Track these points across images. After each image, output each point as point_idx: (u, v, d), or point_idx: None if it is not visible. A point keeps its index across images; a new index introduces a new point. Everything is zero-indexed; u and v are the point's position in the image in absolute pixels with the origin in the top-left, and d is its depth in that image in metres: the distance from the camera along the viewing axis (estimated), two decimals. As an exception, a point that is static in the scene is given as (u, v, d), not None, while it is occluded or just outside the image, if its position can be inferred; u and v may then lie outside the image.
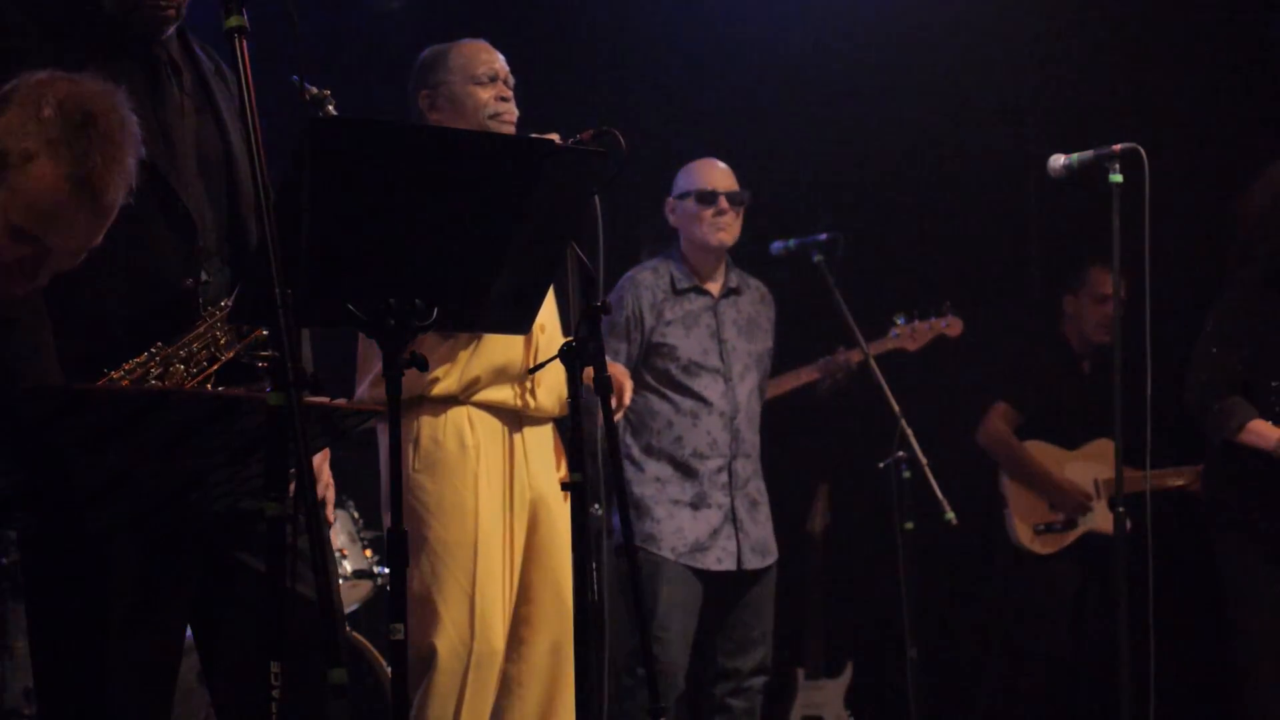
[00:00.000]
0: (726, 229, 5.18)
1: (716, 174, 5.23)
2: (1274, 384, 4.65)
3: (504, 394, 4.03)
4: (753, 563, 5.16)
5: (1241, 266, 4.76)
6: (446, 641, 3.90)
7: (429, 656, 3.91)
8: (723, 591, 5.18)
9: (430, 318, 2.75)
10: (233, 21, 2.47)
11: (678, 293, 5.21)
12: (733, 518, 5.13)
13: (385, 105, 6.02)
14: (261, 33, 2.80)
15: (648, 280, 5.20)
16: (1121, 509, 4.14)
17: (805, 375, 5.77)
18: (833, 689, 6.23)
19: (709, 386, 5.16)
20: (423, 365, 2.78)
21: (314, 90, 2.90)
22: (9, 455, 2.37)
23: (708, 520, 5.10)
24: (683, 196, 5.22)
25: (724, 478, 5.14)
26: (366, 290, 2.70)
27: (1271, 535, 4.63)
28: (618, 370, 4.15)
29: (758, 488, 5.25)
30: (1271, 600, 4.64)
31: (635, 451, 5.15)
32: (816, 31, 6.54)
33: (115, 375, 2.64)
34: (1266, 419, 4.62)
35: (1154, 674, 4.17)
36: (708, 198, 5.17)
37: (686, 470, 5.12)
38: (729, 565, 5.13)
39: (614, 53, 6.55)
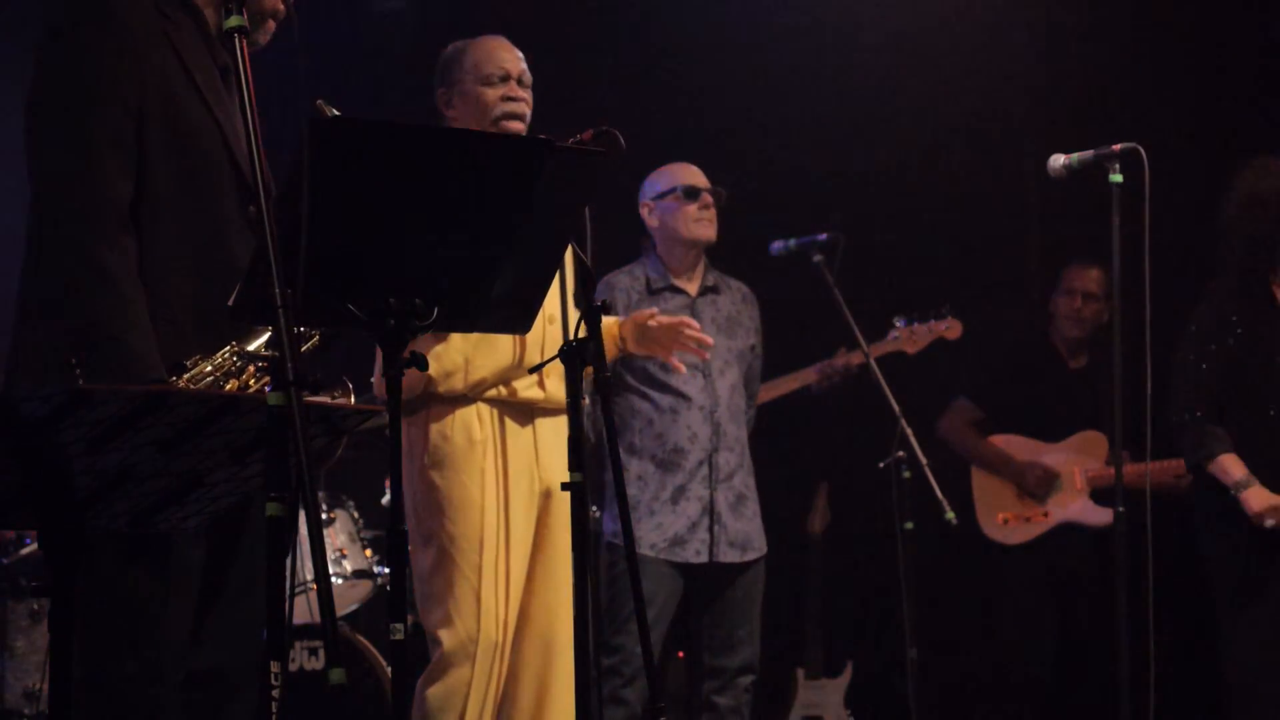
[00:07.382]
0: (711, 223, 5.24)
1: (695, 172, 5.29)
2: (1263, 386, 4.70)
3: (515, 387, 4.03)
4: (728, 556, 5.15)
5: (1219, 275, 4.85)
6: (454, 635, 3.92)
7: (435, 647, 3.94)
8: (706, 587, 5.18)
9: (430, 318, 2.75)
10: (233, 21, 2.47)
11: (653, 292, 5.25)
12: (710, 510, 5.14)
13: (387, 105, 6.04)
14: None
15: (623, 283, 5.24)
16: (1121, 509, 4.14)
17: (804, 377, 5.78)
18: (833, 689, 6.22)
19: (688, 382, 5.17)
20: (422, 365, 2.79)
21: (335, 113, 2.84)
22: (9, 455, 2.37)
23: (686, 514, 5.10)
24: (662, 195, 5.25)
25: (704, 470, 5.15)
26: (366, 290, 2.71)
27: (1257, 534, 4.64)
28: (646, 315, 4.19)
29: (744, 482, 5.24)
30: (1260, 598, 4.65)
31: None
32: (817, 32, 6.54)
33: (204, 370, 2.67)
34: (1252, 423, 4.66)
35: (1154, 673, 4.17)
36: (693, 193, 5.21)
37: (668, 466, 5.13)
38: (704, 558, 5.12)
39: (615, 52, 6.55)
